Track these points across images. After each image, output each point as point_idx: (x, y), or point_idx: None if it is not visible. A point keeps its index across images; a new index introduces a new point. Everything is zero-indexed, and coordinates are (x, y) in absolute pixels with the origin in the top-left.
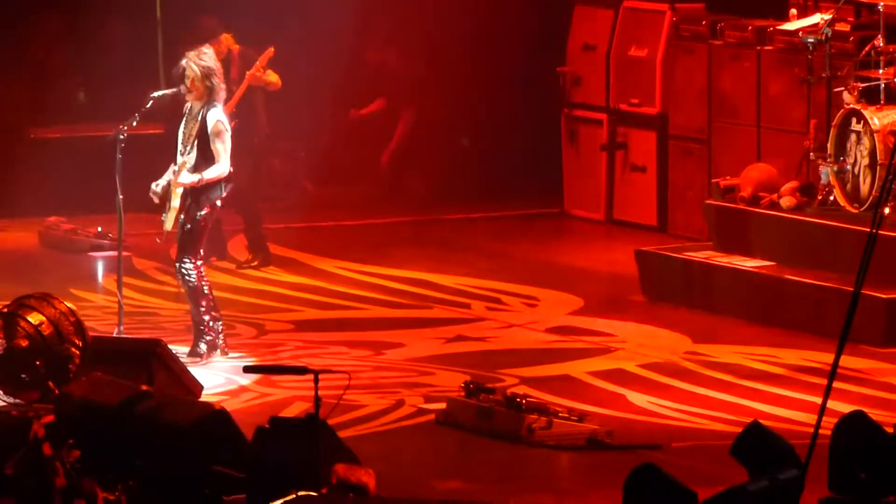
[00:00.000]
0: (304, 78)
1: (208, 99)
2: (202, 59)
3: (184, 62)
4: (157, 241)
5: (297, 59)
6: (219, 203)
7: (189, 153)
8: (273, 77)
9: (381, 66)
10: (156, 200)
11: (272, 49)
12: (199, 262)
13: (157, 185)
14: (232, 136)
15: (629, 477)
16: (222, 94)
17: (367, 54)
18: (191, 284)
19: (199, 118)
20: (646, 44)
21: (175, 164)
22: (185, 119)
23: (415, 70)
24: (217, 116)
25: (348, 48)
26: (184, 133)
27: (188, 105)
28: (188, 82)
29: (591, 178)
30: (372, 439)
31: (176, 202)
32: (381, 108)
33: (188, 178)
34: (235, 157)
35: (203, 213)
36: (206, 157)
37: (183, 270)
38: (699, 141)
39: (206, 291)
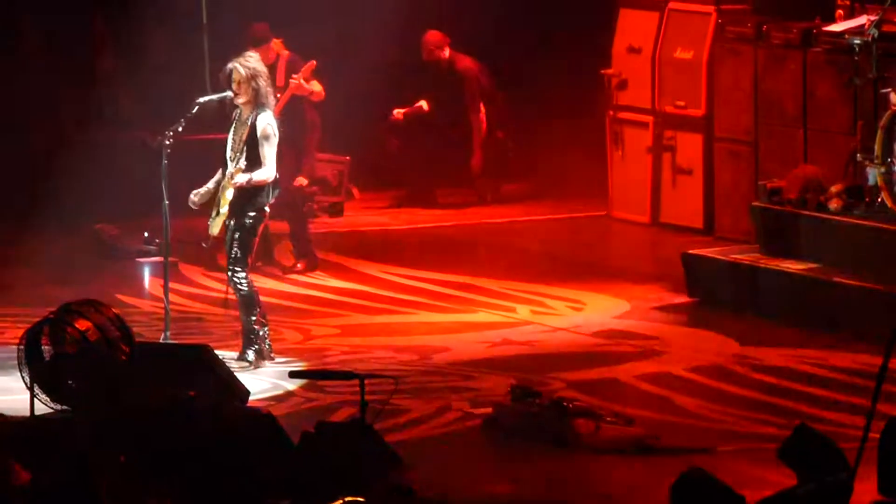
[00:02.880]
0: (350, 80)
1: (256, 102)
2: (248, 61)
3: (230, 66)
4: (203, 245)
5: (342, 62)
6: (267, 209)
7: (239, 159)
8: (317, 87)
9: (434, 66)
10: (194, 207)
11: (314, 62)
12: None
13: (197, 194)
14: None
15: (677, 481)
16: (271, 99)
17: (420, 54)
18: (243, 293)
19: (249, 123)
20: (691, 46)
21: (223, 169)
22: (234, 125)
23: (481, 74)
24: (267, 120)
25: (396, 50)
26: (233, 139)
27: (237, 111)
28: (235, 85)
29: (636, 181)
30: (418, 444)
31: (224, 208)
32: (422, 111)
33: (239, 178)
34: (281, 163)
35: (252, 216)
36: (255, 162)
37: (235, 279)
38: (745, 143)
39: (257, 299)
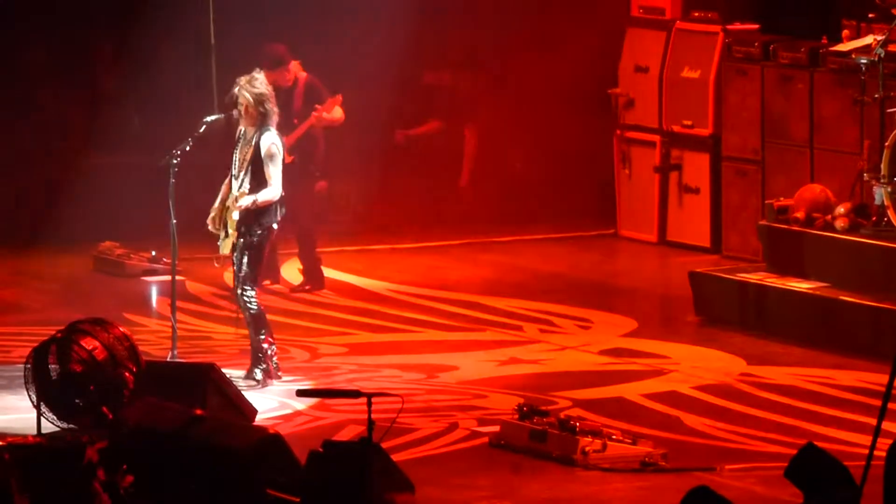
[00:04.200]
0: (358, 101)
1: (262, 123)
2: (254, 85)
3: (236, 89)
4: (215, 265)
5: (349, 82)
6: (275, 226)
7: (243, 178)
8: (338, 113)
9: (438, 87)
10: (213, 230)
11: (340, 97)
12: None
13: (212, 219)
14: (288, 164)
15: (684, 499)
16: (275, 119)
17: (424, 76)
18: (252, 311)
19: (253, 142)
20: (698, 65)
21: (229, 188)
22: (238, 144)
23: (477, 91)
24: (271, 140)
25: (400, 70)
26: (237, 157)
27: (241, 129)
28: (241, 109)
29: (644, 200)
30: (425, 463)
31: (232, 229)
32: (433, 130)
33: (243, 201)
34: (292, 181)
35: (259, 235)
36: (259, 181)
37: (245, 298)
38: (753, 162)
39: (265, 319)
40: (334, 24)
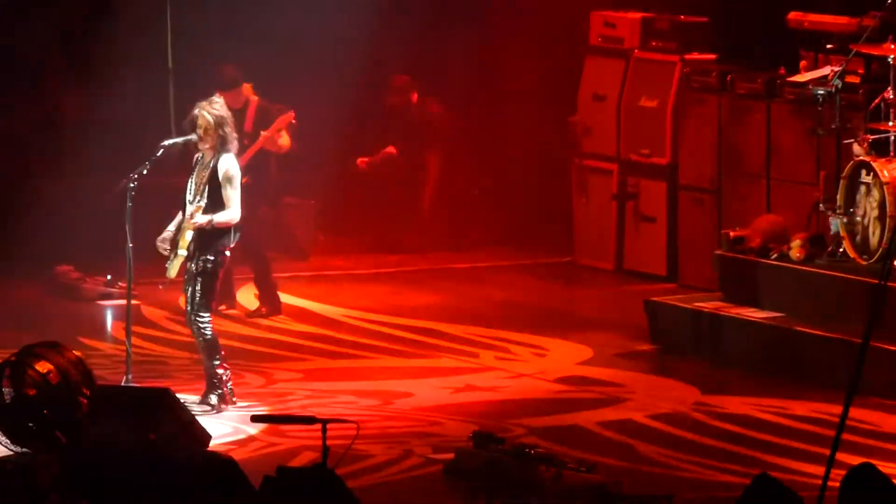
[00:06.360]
0: (315, 125)
1: (220, 147)
2: (214, 107)
3: (196, 111)
4: (160, 287)
5: (308, 107)
6: (227, 252)
7: (199, 200)
8: (284, 140)
9: (402, 111)
10: (163, 252)
11: (292, 113)
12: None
13: (163, 239)
14: (242, 187)
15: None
16: (235, 143)
17: (387, 98)
18: (206, 337)
19: (211, 165)
20: (656, 94)
21: (183, 212)
22: (196, 168)
23: (441, 115)
24: (228, 163)
25: (361, 94)
26: (193, 182)
27: (198, 155)
28: (200, 131)
29: (601, 228)
30: (380, 489)
31: (183, 251)
32: (390, 156)
33: (199, 219)
34: (245, 206)
35: (213, 260)
36: (216, 204)
37: (199, 323)
38: (709, 192)
39: (219, 345)
40: (293, 46)
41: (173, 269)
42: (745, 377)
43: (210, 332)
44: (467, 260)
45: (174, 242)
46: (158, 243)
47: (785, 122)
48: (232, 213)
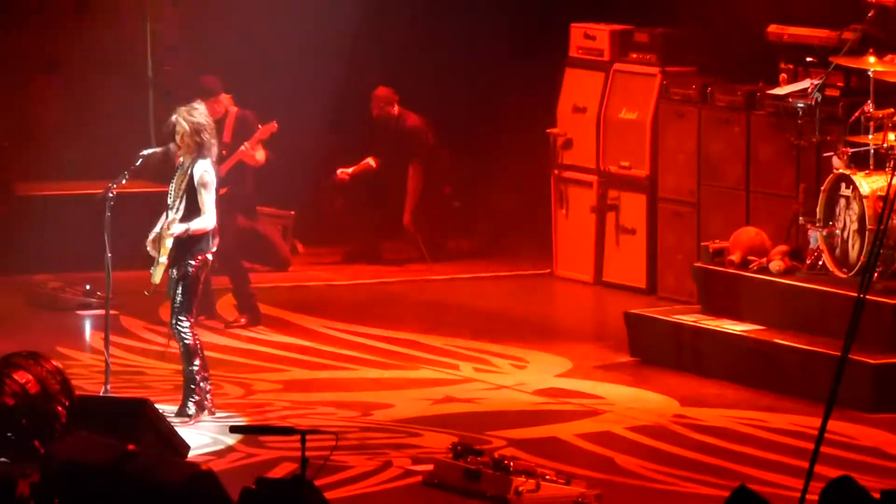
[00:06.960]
0: (296, 136)
1: (197, 153)
2: (192, 114)
3: (174, 117)
4: (145, 294)
5: (287, 117)
6: (210, 256)
7: (178, 206)
8: (260, 155)
9: (383, 122)
10: (153, 255)
11: (275, 124)
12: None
13: (151, 241)
14: (219, 197)
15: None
16: (214, 150)
17: (372, 110)
18: (186, 342)
19: (188, 172)
20: (636, 106)
21: (166, 216)
22: (177, 173)
23: (421, 127)
24: (203, 168)
25: (341, 106)
26: (174, 187)
27: (180, 161)
28: (178, 138)
29: (580, 240)
30: (359, 501)
31: (164, 257)
32: (369, 168)
33: (176, 228)
34: (223, 216)
35: (193, 266)
36: (193, 210)
37: (179, 328)
38: (689, 204)
39: (200, 350)
40: (274, 55)
41: (157, 275)
42: (723, 389)
43: (190, 338)
44: (447, 271)
45: (157, 249)
46: (147, 244)
47: (765, 134)
48: (207, 219)
